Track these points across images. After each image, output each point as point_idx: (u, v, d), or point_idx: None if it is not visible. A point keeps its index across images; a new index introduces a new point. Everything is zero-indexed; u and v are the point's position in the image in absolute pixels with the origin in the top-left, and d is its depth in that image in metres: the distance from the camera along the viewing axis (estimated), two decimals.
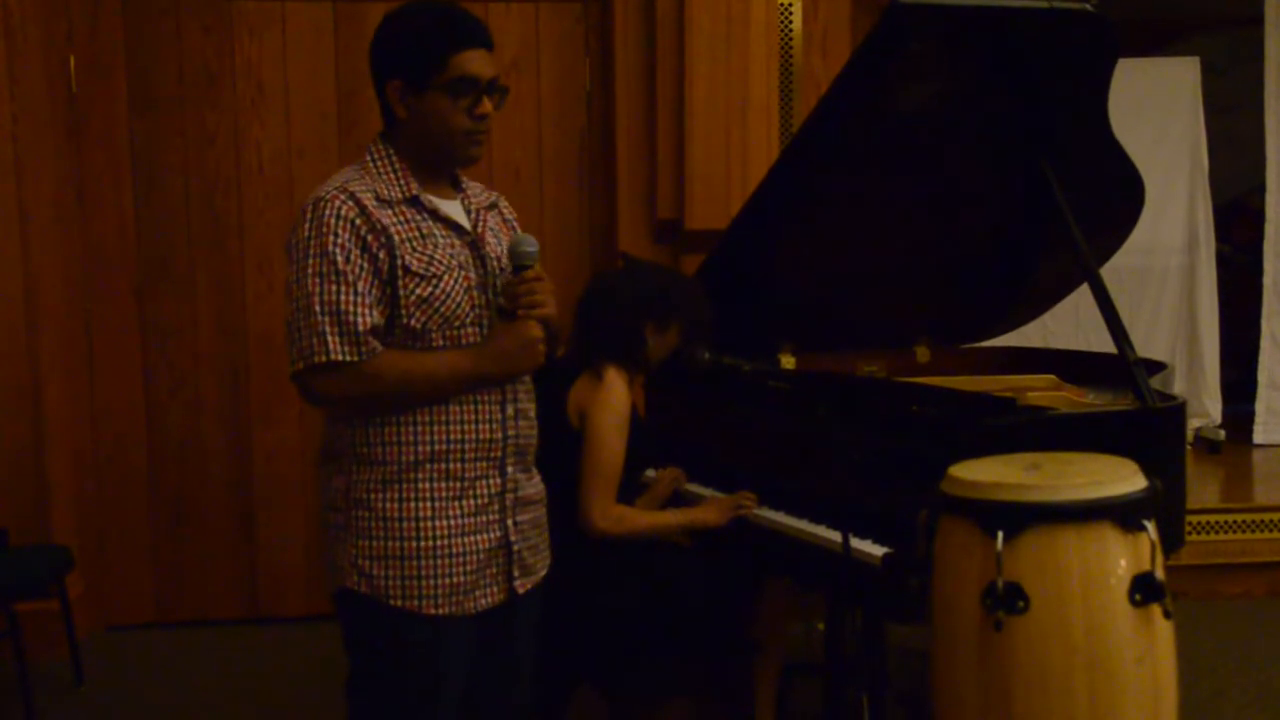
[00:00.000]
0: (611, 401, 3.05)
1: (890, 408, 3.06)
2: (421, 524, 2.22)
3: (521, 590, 2.34)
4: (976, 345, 4.05)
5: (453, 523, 2.23)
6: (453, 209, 2.31)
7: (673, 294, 3.19)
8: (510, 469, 2.31)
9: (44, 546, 4.30)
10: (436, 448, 2.22)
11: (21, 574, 4.00)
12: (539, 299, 2.25)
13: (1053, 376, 3.56)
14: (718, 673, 3.20)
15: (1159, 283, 6.32)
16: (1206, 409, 6.34)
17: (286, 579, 4.85)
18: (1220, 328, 6.37)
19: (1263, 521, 5.07)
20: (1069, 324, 5.72)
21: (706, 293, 3.25)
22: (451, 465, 2.24)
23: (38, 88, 4.53)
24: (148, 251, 4.78)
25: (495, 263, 2.30)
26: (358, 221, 2.16)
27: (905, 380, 3.55)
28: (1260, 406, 6.37)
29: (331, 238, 2.14)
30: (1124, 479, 2.28)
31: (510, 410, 2.30)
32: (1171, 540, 2.73)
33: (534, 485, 2.40)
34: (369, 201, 2.18)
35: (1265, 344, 6.35)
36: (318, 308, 2.13)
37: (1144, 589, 2.20)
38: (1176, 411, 3.03)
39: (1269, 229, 6.33)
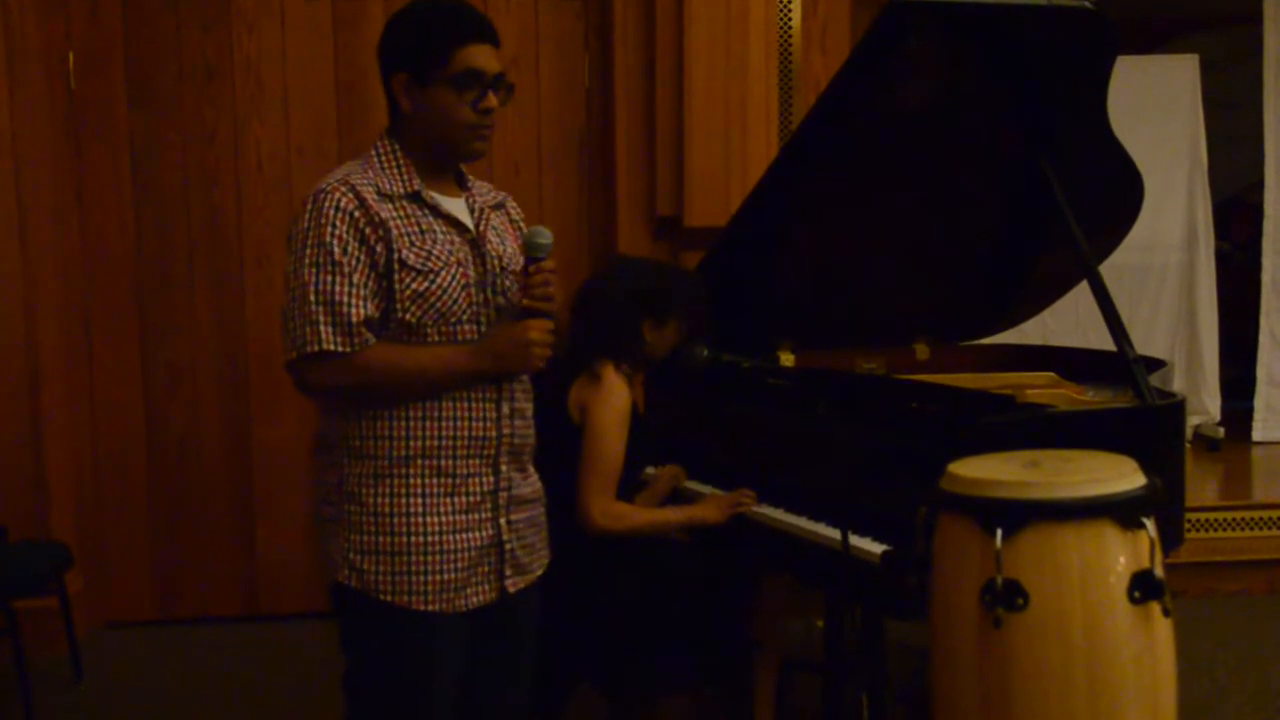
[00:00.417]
0: (612, 398, 3.05)
1: (889, 405, 3.06)
2: (412, 519, 2.22)
3: (513, 589, 2.34)
4: (976, 343, 4.05)
5: (444, 519, 2.24)
6: (455, 206, 2.31)
7: (668, 288, 3.18)
8: (504, 467, 2.31)
9: (43, 543, 4.31)
10: (428, 443, 2.22)
11: (21, 571, 4.00)
12: (551, 291, 2.26)
13: (1052, 374, 3.56)
14: (717, 670, 3.19)
15: (1158, 280, 6.32)
16: (1205, 406, 6.34)
17: (286, 576, 4.85)
18: (1219, 325, 6.37)
19: (1262, 519, 5.07)
20: (1068, 321, 5.72)
21: (705, 290, 3.25)
22: (443, 461, 2.24)
23: (37, 85, 4.53)
24: (147, 248, 4.79)
25: (496, 261, 2.30)
26: (356, 214, 2.16)
27: (904, 377, 3.55)
28: (1259, 404, 6.38)
29: (329, 229, 2.15)
30: (1123, 476, 2.28)
31: (506, 409, 2.30)
32: (1171, 538, 2.73)
33: (530, 484, 2.40)
34: (369, 195, 2.19)
35: (1264, 341, 6.35)
36: (312, 297, 2.14)
37: (1143, 586, 2.20)
38: (1175, 409, 3.04)
39: (1268, 226, 6.33)
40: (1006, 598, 2.19)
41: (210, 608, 4.88)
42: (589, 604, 3.02)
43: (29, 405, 4.47)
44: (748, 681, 3.38)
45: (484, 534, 2.28)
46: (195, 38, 4.74)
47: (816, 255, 3.50)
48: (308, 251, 2.16)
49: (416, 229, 2.22)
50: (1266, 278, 6.34)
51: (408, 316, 2.20)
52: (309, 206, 2.19)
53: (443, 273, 2.21)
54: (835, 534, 2.74)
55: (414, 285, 2.19)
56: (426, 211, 2.25)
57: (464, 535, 2.25)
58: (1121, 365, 3.06)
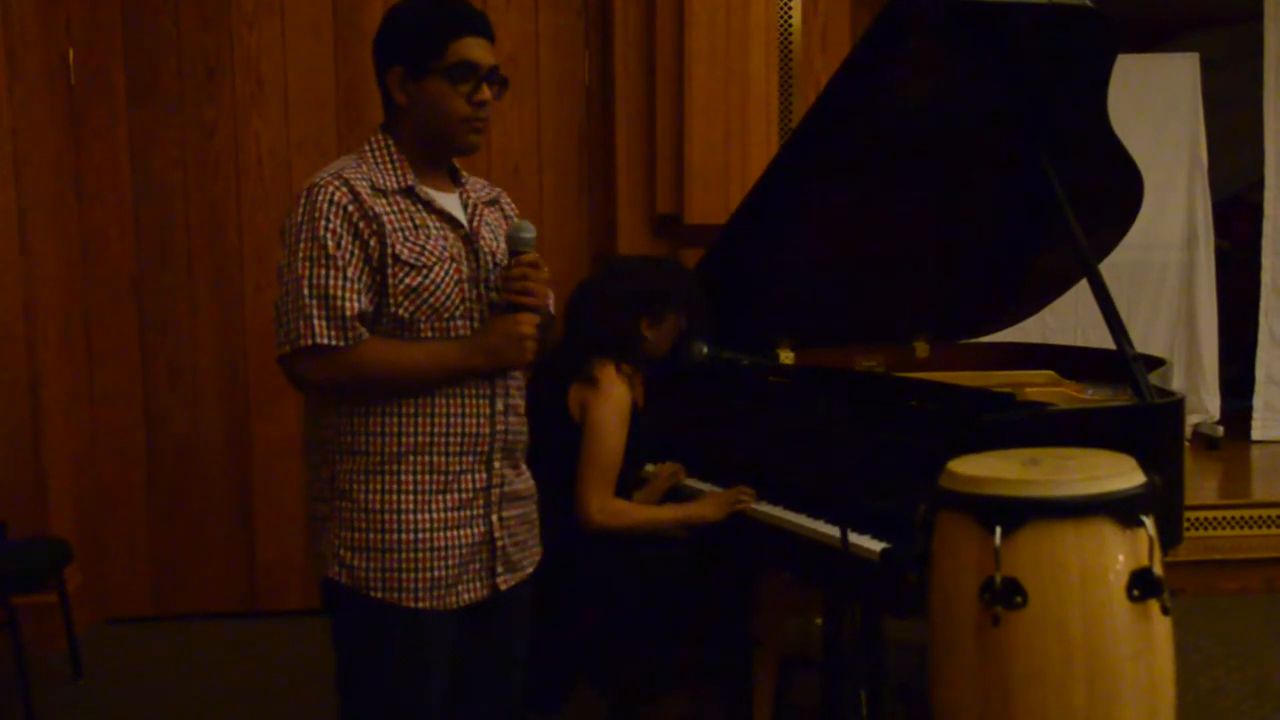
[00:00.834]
0: (612, 397, 3.06)
1: (889, 403, 3.06)
2: (404, 516, 2.21)
3: (505, 587, 2.33)
4: (975, 340, 4.05)
5: (435, 516, 2.23)
6: (449, 202, 2.30)
7: (664, 285, 3.18)
8: (497, 464, 2.30)
9: (42, 539, 4.30)
10: (420, 439, 2.22)
11: (20, 567, 4.00)
12: (530, 285, 2.24)
13: (1051, 372, 3.56)
14: (716, 668, 3.20)
15: (1158, 278, 6.32)
16: (1205, 405, 6.34)
17: (285, 572, 4.85)
18: (1219, 323, 6.37)
19: (1260, 517, 5.07)
20: (1068, 320, 5.73)
21: (702, 284, 3.25)
22: (435, 458, 2.23)
23: (37, 81, 4.52)
24: (146, 244, 4.79)
25: (489, 257, 2.30)
26: (350, 208, 2.16)
27: (904, 375, 3.55)
28: (1258, 402, 6.38)
29: (323, 223, 2.14)
30: (1122, 475, 2.28)
31: (500, 405, 2.29)
32: (1170, 536, 2.73)
33: (523, 481, 2.39)
34: (363, 189, 2.19)
35: (1263, 340, 6.35)
36: (306, 291, 2.13)
37: (1142, 584, 2.20)
38: (1175, 407, 3.03)
39: (1267, 225, 6.33)
40: (1005, 595, 2.19)
41: (209, 604, 4.88)
42: (588, 602, 3.02)
43: (28, 401, 4.47)
44: (747, 679, 3.38)
45: (476, 531, 2.27)
46: (195, 34, 4.74)
47: (816, 253, 3.50)
48: (301, 245, 2.15)
49: (410, 224, 2.21)
50: (1266, 277, 6.34)
51: (401, 312, 2.19)
52: (303, 201, 2.18)
53: (436, 268, 2.21)
54: (834, 531, 2.74)
55: (407, 280, 2.18)
56: (420, 207, 2.25)
57: (456, 532, 2.24)
58: (1121, 364, 3.06)
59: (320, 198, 2.16)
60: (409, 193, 2.25)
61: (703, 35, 4.60)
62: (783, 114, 4.71)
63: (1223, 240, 6.85)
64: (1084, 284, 3.27)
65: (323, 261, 2.14)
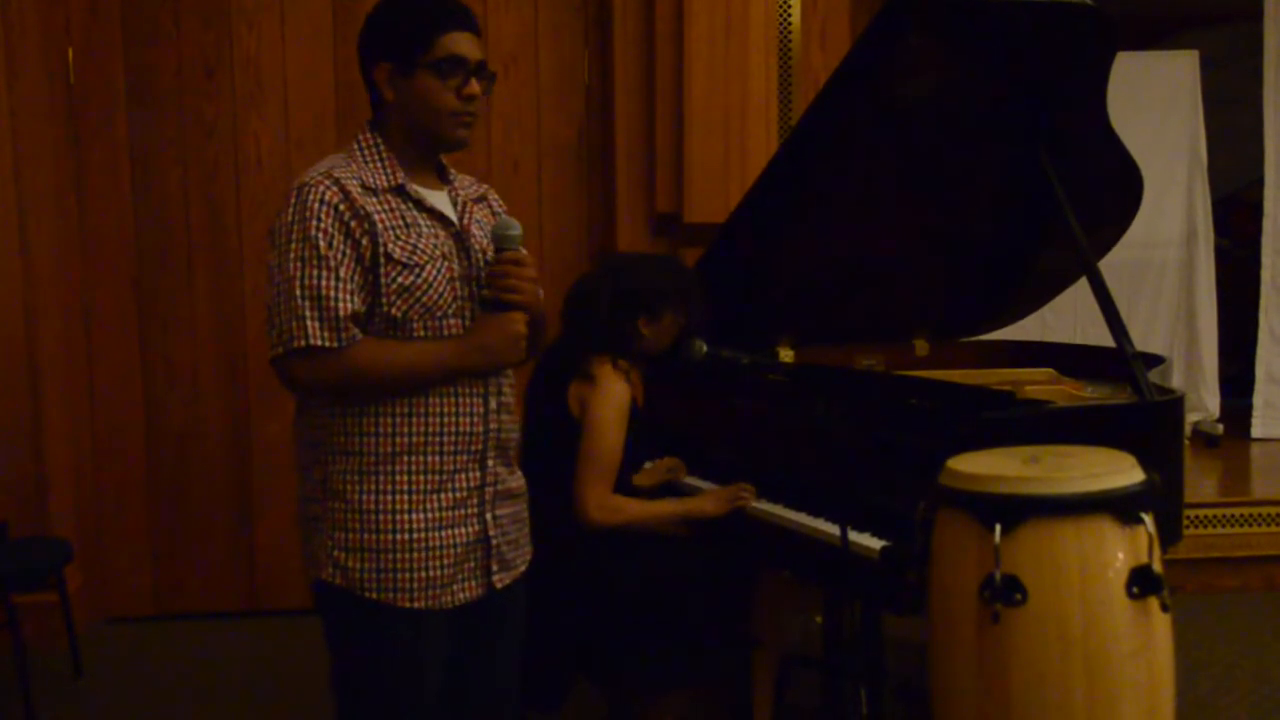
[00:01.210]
0: (610, 393, 3.05)
1: (888, 401, 3.06)
2: (398, 516, 2.19)
3: (499, 585, 2.32)
4: (975, 339, 4.06)
5: (430, 516, 2.21)
6: (439, 200, 2.29)
7: (661, 284, 3.17)
8: (491, 463, 2.29)
9: (43, 539, 4.30)
10: (415, 439, 2.20)
11: (20, 566, 4.00)
12: (514, 283, 2.22)
13: (1051, 370, 3.56)
14: (716, 666, 3.19)
15: (1157, 277, 6.32)
16: (1204, 403, 6.34)
17: (285, 571, 4.85)
18: (1219, 322, 6.37)
19: (1260, 515, 5.07)
20: (1067, 318, 5.73)
21: (700, 281, 3.24)
22: (430, 458, 2.21)
23: (36, 79, 4.52)
24: (146, 243, 4.79)
25: (480, 255, 2.28)
26: (341, 207, 2.14)
27: (903, 373, 3.55)
28: (1258, 400, 6.38)
29: (315, 222, 2.12)
30: (1122, 472, 2.28)
31: (494, 404, 2.28)
32: (1169, 534, 2.73)
33: (515, 479, 2.38)
34: (354, 188, 2.16)
35: (1263, 338, 6.35)
36: (298, 292, 2.11)
37: (1142, 582, 2.20)
38: (1174, 405, 3.04)
39: (1267, 223, 6.33)
40: (1005, 593, 2.20)
41: (210, 603, 4.88)
42: (588, 600, 3.02)
43: (29, 400, 4.47)
44: (747, 677, 3.39)
45: (470, 530, 2.26)
46: (195, 33, 4.74)
47: (816, 251, 3.50)
48: (293, 245, 2.13)
49: (401, 223, 2.19)
50: (1266, 275, 6.34)
51: (393, 311, 2.17)
52: (293, 200, 2.16)
53: (428, 267, 2.19)
54: (834, 530, 2.75)
55: (400, 280, 2.16)
56: (411, 205, 2.23)
57: (450, 532, 2.23)
58: (1120, 361, 3.06)
59: (311, 197, 2.14)
60: (399, 191, 2.23)
61: (702, 33, 4.60)
62: (782, 112, 4.71)
63: (1222, 238, 6.85)
64: (1084, 282, 3.27)
65: (315, 262, 2.11)
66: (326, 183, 2.15)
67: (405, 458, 2.20)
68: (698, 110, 4.62)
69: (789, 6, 4.70)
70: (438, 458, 2.22)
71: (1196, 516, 4.98)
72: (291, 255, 2.12)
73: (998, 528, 2.21)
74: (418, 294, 2.18)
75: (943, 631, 2.33)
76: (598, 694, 3.40)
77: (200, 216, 4.80)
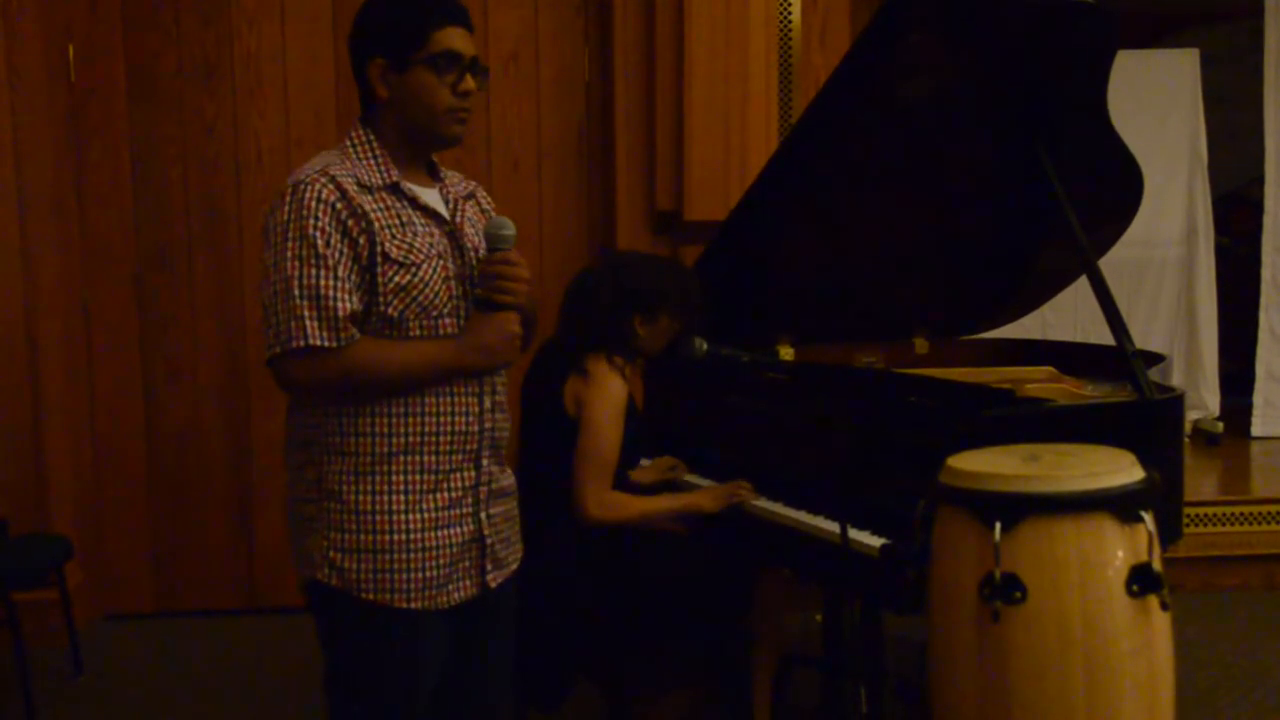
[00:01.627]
0: (606, 390, 3.05)
1: (888, 399, 3.06)
2: (394, 517, 2.18)
3: (494, 584, 2.31)
4: (975, 337, 4.06)
5: (426, 516, 2.20)
6: (431, 197, 2.27)
7: (658, 284, 3.16)
8: (485, 462, 2.28)
9: (43, 536, 4.30)
10: (411, 439, 2.19)
11: (20, 563, 4.00)
12: (507, 284, 2.20)
13: (1051, 368, 3.56)
14: (715, 665, 3.20)
15: (1157, 275, 6.32)
16: (1204, 401, 6.34)
17: (285, 569, 4.79)
18: (1219, 320, 6.37)
19: (1260, 514, 5.08)
20: (1068, 316, 5.73)
21: (698, 284, 3.24)
22: (426, 458, 2.20)
23: (37, 77, 4.53)
24: (146, 241, 4.79)
25: (473, 254, 2.27)
26: (338, 206, 2.12)
27: (903, 371, 3.55)
28: (1258, 399, 6.38)
29: (312, 221, 2.10)
30: (1122, 470, 2.28)
31: (488, 403, 2.27)
32: (1169, 532, 2.73)
33: (507, 478, 2.37)
34: (350, 186, 2.14)
35: (1263, 336, 6.36)
36: (296, 291, 2.09)
37: (1141, 580, 2.20)
38: (1174, 403, 3.04)
39: (1267, 221, 6.33)
40: (1005, 591, 2.20)
41: (210, 600, 4.89)
42: (587, 600, 3.02)
43: (29, 397, 4.47)
44: (746, 676, 3.39)
45: (465, 529, 2.25)
46: (195, 31, 4.74)
47: (816, 250, 3.50)
48: (289, 244, 2.10)
49: (397, 221, 2.18)
50: (1266, 273, 6.34)
51: (390, 310, 2.15)
52: (288, 198, 2.13)
53: (424, 266, 2.17)
54: (834, 528, 2.74)
55: (397, 279, 2.15)
56: (405, 203, 2.21)
57: (446, 531, 2.22)
58: (1120, 360, 3.06)
59: (308, 195, 2.11)
60: (394, 189, 2.21)
61: (702, 32, 4.60)
62: (782, 111, 4.71)
63: (1223, 236, 6.85)
64: (1084, 280, 3.27)
65: (313, 261, 2.09)
66: (323, 180, 2.13)
67: (401, 458, 2.19)
68: (698, 109, 4.62)
69: (789, 5, 4.70)
70: (434, 457, 2.21)
71: (1196, 515, 4.98)
72: (289, 254, 2.10)
73: (997, 526, 2.21)
74: (414, 293, 2.17)
75: (942, 630, 2.33)
76: (598, 694, 3.40)
77: (200, 214, 4.80)
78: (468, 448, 2.24)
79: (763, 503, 3.08)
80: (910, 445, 2.77)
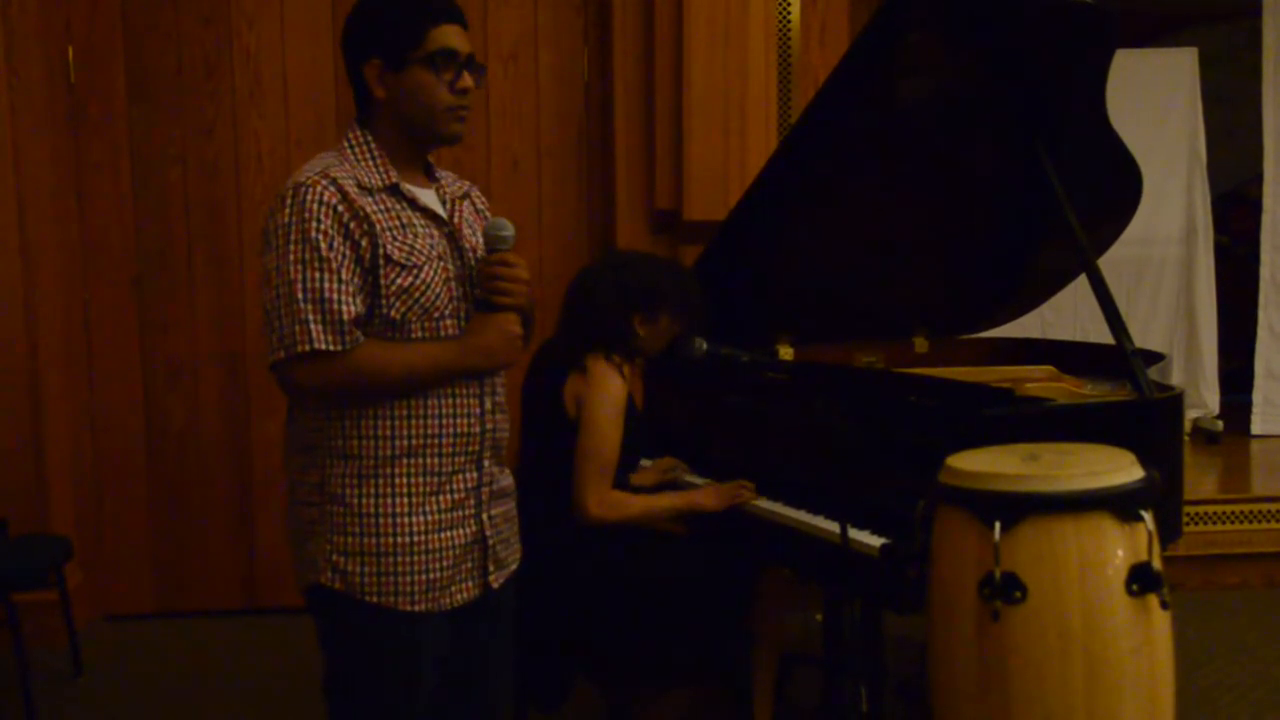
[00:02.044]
0: (606, 389, 3.05)
1: (888, 398, 3.06)
2: (398, 520, 2.18)
3: (496, 584, 2.31)
4: (974, 336, 4.06)
5: (429, 518, 2.20)
6: (429, 198, 2.26)
7: (657, 285, 3.16)
8: (486, 463, 2.28)
9: (43, 537, 4.30)
10: (414, 442, 2.18)
11: (20, 564, 4.00)
12: (507, 286, 2.20)
13: (1051, 367, 3.56)
14: (716, 664, 3.19)
15: (1157, 274, 6.32)
16: (1204, 400, 6.35)
17: (285, 569, 4.78)
18: (1218, 319, 6.38)
19: (1260, 512, 5.08)
20: (1067, 315, 5.73)
21: (698, 284, 3.24)
22: (429, 460, 2.20)
23: (36, 78, 4.53)
24: (146, 242, 4.79)
25: (472, 254, 2.27)
26: (340, 208, 2.11)
27: (903, 371, 3.56)
28: (1258, 397, 6.38)
29: (314, 224, 2.08)
30: (1121, 469, 2.28)
31: (489, 404, 2.27)
32: (1169, 531, 2.74)
33: (506, 478, 2.37)
34: (351, 188, 2.13)
35: (1262, 335, 6.36)
36: (300, 295, 2.07)
37: (1141, 579, 2.21)
38: (1174, 402, 3.04)
39: (1266, 220, 6.34)
40: (1005, 590, 2.20)
41: (210, 601, 4.89)
42: (587, 600, 3.02)
43: (29, 398, 4.47)
44: (746, 676, 3.38)
45: (467, 531, 2.25)
46: (195, 31, 4.74)
47: (815, 249, 3.50)
48: (292, 247, 2.09)
49: (398, 223, 2.17)
50: (1265, 272, 6.34)
51: (392, 313, 2.15)
52: (289, 201, 2.11)
53: (425, 267, 2.17)
54: (834, 527, 2.75)
55: (399, 281, 2.14)
56: (405, 205, 2.20)
57: (449, 533, 2.22)
58: (1120, 358, 3.06)
59: (309, 198, 2.10)
60: (394, 190, 2.20)
61: (702, 31, 4.61)
62: (781, 110, 4.71)
63: (1222, 235, 6.86)
64: (1083, 279, 3.27)
65: (316, 264, 2.08)
66: (324, 183, 2.12)
67: (404, 460, 2.18)
68: (697, 108, 4.62)
69: (788, 5, 4.71)
70: (436, 460, 2.21)
71: (1196, 513, 4.98)
72: (291, 258, 2.09)
73: (997, 525, 2.21)
74: (416, 295, 2.16)
75: (942, 629, 2.33)
76: (598, 694, 3.40)
77: (200, 214, 4.80)
78: (470, 449, 2.24)
79: (763, 502, 3.08)
80: (910, 445, 2.77)
